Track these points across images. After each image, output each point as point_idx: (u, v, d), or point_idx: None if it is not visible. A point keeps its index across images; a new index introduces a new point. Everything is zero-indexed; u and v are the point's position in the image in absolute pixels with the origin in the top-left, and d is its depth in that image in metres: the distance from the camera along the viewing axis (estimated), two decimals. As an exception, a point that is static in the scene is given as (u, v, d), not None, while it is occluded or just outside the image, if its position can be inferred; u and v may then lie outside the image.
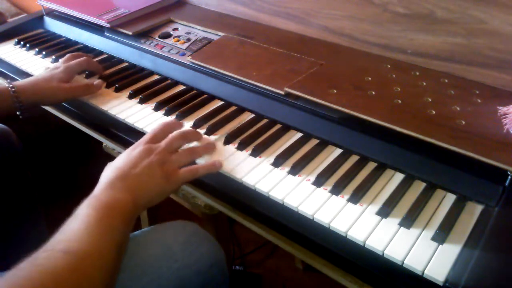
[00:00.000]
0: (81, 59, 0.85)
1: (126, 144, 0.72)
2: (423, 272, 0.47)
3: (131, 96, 0.82)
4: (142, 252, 0.56)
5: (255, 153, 0.65)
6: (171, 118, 0.75)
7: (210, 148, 0.66)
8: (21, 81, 0.79)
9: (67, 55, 0.88)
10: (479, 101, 0.65)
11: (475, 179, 0.56)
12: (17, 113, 0.77)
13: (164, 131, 0.64)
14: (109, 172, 0.57)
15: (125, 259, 0.53)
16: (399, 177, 0.60)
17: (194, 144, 0.68)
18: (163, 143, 0.61)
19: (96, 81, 0.82)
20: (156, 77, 0.88)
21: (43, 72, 0.83)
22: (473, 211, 0.54)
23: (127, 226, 0.52)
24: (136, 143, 0.62)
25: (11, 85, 0.75)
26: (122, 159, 0.59)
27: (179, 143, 0.63)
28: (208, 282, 0.58)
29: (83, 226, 0.47)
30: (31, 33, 1.10)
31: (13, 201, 0.91)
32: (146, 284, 0.54)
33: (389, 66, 0.75)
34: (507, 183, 0.54)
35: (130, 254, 0.55)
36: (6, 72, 0.96)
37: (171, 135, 0.63)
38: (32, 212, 0.96)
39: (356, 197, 0.56)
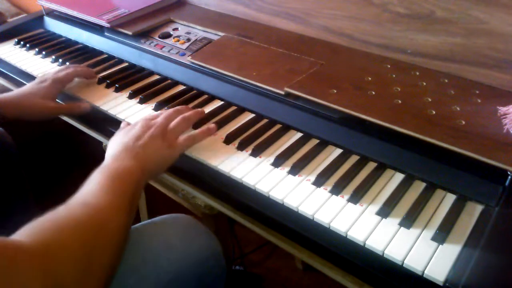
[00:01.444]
0: (69, 70, 0.84)
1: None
2: (423, 272, 0.47)
3: (131, 96, 0.82)
4: (141, 244, 0.57)
5: (255, 153, 0.65)
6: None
7: (200, 113, 0.71)
8: (4, 95, 0.77)
9: (57, 69, 0.85)
10: (479, 101, 0.65)
11: (475, 179, 0.56)
12: None
13: (160, 114, 0.69)
14: (114, 146, 0.61)
15: (125, 250, 0.54)
16: (399, 177, 0.60)
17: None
18: (160, 117, 0.66)
19: (84, 104, 0.80)
20: (156, 77, 0.88)
21: (30, 85, 0.81)
22: (473, 211, 0.54)
23: (136, 190, 0.55)
24: (134, 122, 0.66)
25: None
26: (124, 135, 0.63)
27: (175, 117, 0.67)
28: (205, 274, 0.59)
29: (97, 187, 0.52)
30: (31, 33, 1.11)
31: (7, 201, 0.91)
32: (145, 274, 0.55)
33: (389, 66, 0.75)
34: (507, 183, 0.54)
35: (129, 245, 0.56)
36: (6, 72, 0.96)
37: (166, 112, 0.68)
38: (27, 212, 0.96)
39: (356, 197, 0.56)
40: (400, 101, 0.66)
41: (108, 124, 0.77)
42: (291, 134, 0.70)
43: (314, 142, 0.67)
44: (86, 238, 0.45)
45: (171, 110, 0.69)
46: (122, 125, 0.69)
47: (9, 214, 0.90)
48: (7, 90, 0.97)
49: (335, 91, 0.69)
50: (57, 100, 0.83)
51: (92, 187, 0.52)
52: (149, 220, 0.63)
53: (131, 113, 0.77)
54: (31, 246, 0.40)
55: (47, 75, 0.83)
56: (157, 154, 0.61)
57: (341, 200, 0.57)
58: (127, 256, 0.54)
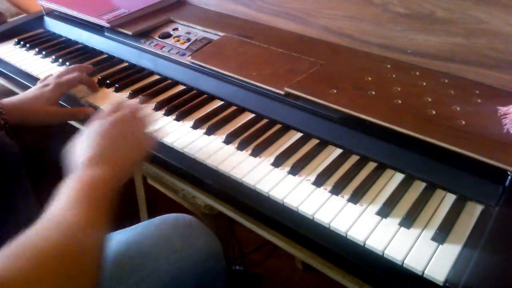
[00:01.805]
0: (72, 76, 0.81)
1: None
2: (423, 272, 0.47)
3: (131, 96, 0.82)
4: (141, 243, 0.57)
5: (255, 153, 0.65)
6: (171, 118, 0.75)
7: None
8: (8, 99, 0.76)
9: (60, 71, 0.84)
10: (479, 101, 0.65)
11: (475, 179, 0.56)
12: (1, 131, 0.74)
13: (115, 106, 0.63)
14: (79, 153, 0.56)
15: (124, 250, 0.54)
16: (399, 177, 0.60)
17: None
18: (119, 113, 0.60)
19: (89, 109, 0.78)
20: (156, 77, 0.88)
21: (33, 89, 0.80)
22: (473, 211, 0.54)
23: (113, 198, 0.50)
24: (93, 121, 0.61)
25: None
26: (88, 137, 0.58)
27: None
28: (206, 273, 0.59)
29: (71, 200, 0.46)
30: (31, 33, 1.10)
31: (8, 201, 0.91)
32: (145, 274, 0.55)
33: (389, 66, 0.75)
34: (507, 183, 0.54)
35: (130, 245, 0.55)
36: (6, 72, 0.96)
37: (126, 107, 0.62)
38: (28, 212, 0.96)
39: (356, 197, 0.56)
40: (400, 101, 0.66)
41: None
42: (291, 134, 0.69)
43: (314, 142, 0.67)
44: (66, 261, 0.41)
45: (131, 105, 0.63)
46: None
47: (9, 213, 0.90)
48: (7, 90, 0.97)
49: (335, 91, 0.69)
50: (60, 102, 0.81)
51: (67, 200, 0.47)
52: (149, 220, 0.63)
53: (131, 113, 0.77)
54: (9, 280, 0.37)
55: (50, 79, 0.81)
56: (125, 151, 0.56)
57: (341, 200, 0.57)
58: (126, 257, 0.54)
